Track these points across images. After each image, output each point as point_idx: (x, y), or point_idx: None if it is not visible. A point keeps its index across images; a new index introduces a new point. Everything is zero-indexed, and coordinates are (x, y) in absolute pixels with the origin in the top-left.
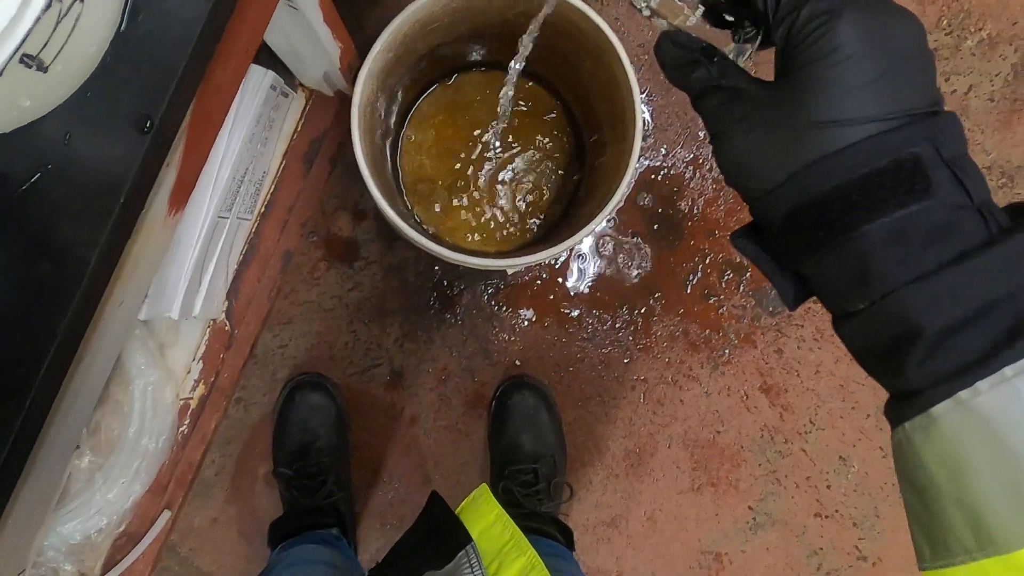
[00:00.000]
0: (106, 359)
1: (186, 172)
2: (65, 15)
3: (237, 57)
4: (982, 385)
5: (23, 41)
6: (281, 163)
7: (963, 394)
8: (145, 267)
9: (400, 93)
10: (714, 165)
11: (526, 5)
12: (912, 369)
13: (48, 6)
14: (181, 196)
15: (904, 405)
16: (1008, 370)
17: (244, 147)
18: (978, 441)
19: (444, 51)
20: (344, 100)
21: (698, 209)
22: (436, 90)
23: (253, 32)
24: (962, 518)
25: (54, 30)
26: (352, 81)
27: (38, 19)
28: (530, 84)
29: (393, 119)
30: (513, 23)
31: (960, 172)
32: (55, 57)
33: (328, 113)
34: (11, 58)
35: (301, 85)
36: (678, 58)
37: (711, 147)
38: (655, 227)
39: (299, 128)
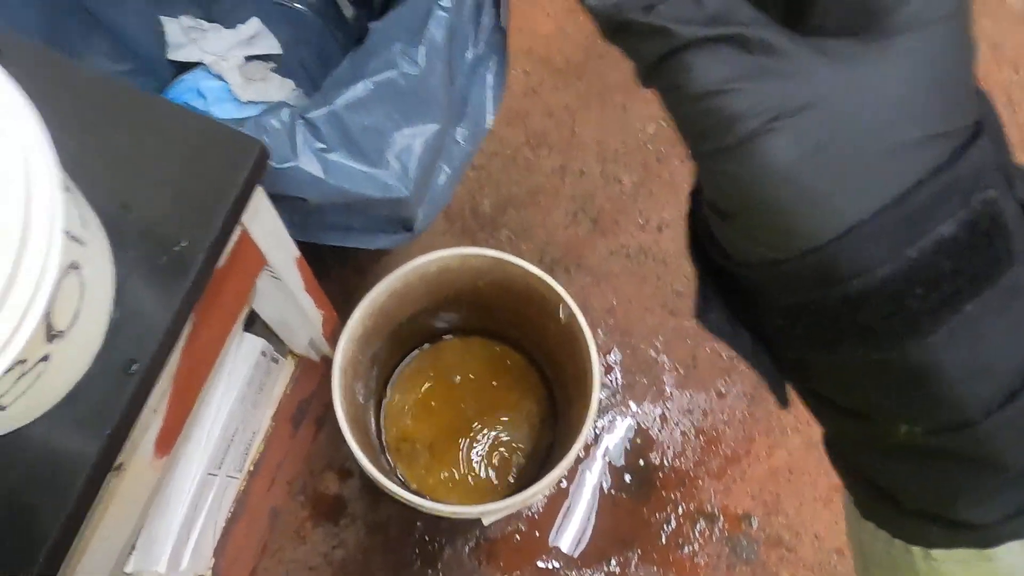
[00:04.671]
0: None
1: (172, 419)
2: (28, 373)
3: (223, 319)
4: None
5: None
6: (270, 424)
7: None
8: (133, 503)
9: (382, 358)
10: (681, 419)
11: (493, 275)
12: (973, 505)
13: (10, 368)
14: (167, 441)
15: (936, 530)
16: None
17: (235, 408)
18: None
19: (422, 319)
20: (329, 365)
21: (668, 461)
22: (417, 355)
23: (238, 296)
24: None
25: (15, 383)
26: (335, 346)
27: None
28: (501, 348)
29: (376, 382)
30: (484, 291)
31: None
32: (13, 401)
33: (315, 378)
34: None
35: (291, 352)
36: None
37: (704, 156)
38: (627, 479)
39: (288, 391)
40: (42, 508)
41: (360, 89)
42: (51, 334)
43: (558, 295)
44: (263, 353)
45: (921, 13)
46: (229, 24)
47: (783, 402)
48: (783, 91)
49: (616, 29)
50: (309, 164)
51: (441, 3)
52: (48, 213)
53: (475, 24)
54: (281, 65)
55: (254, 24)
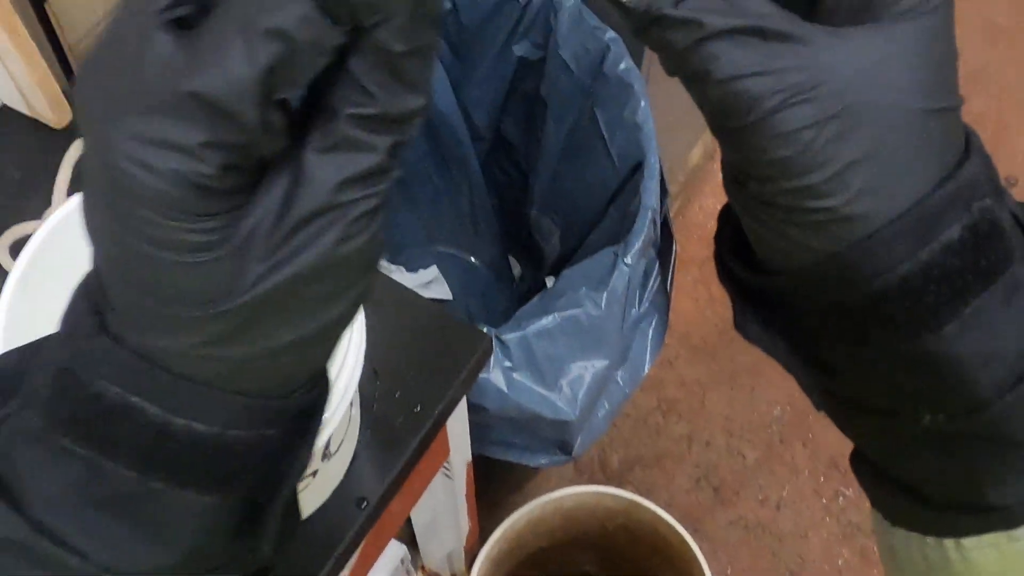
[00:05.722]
0: None
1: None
2: (301, 481)
3: (407, 498)
4: None
5: None
6: None
7: None
8: None
9: None
10: None
11: (624, 519)
12: (995, 486)
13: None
14: None
15: (964, 518)
16: None
17: None
18: None
19: (547, 553)
20: None
21: None
22: None
23: (422, 480)
24: None
25: None
26: (469, 564)
27: None
28: None
29: None
30: (611, 535)
31: (1016, 211)
32: None
33: None
34: None
35: (422, 567)
36: None
37: (729, 131)
38: None
39: None
40: None
41: (548, 321)
42: (326, 452)
43: (687, 546)
44: (402, 560)
45: (918, 4)
46: (411, 268)
47: (817, 405)
48: (799, 73)
49: (650, 23)
50: (497, 378)
51: (626, 260)
52: (355, 359)
53: (643, 285)
54: (449, 310)
55: (432, 271)
